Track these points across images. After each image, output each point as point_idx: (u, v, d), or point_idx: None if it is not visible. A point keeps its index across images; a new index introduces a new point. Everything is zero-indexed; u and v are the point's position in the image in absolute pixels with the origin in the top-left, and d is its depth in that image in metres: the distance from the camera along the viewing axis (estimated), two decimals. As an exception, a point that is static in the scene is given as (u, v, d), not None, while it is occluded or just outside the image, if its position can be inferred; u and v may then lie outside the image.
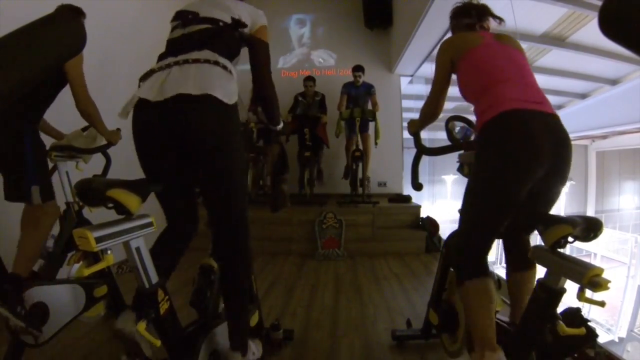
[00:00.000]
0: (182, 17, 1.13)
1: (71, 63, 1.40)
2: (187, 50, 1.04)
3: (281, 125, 1.37)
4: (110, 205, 0.87)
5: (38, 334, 1.23)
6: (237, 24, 1.12)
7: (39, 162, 1.42)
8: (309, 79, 4.19)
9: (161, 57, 1.09)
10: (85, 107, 1.50)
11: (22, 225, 1.43)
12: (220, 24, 1.10)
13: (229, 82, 1.03)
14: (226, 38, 1.11)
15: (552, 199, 1.10)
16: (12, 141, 1.34)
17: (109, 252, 0.83)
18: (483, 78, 1.15)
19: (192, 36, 1.08)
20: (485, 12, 1.31)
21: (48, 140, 1.65)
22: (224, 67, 1.05)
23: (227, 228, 1.10)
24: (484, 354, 1.01)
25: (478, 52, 1.19)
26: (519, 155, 1.02)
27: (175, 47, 1.07)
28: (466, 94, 1.24)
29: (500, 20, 1.31)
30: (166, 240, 1.14)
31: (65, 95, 1.52)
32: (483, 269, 1.09)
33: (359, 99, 3.98)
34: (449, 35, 1.39)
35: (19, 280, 1.32)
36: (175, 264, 1.17)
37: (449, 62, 1.25)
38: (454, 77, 1.30)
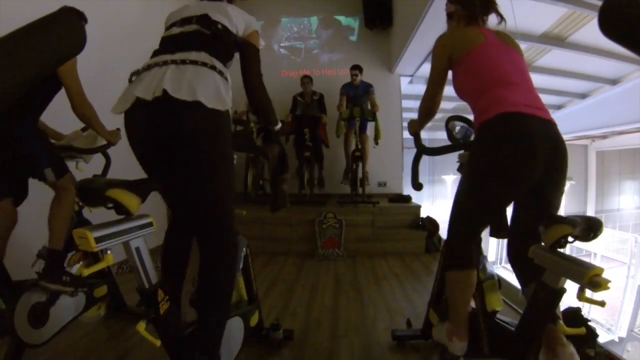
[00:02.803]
0: (181, 17, 1.13)
1: (65, 66, 1.39)
2: (185, 49, 1.03)
3: (279, 125, 1.37)
4: (110, 205, 0.87)
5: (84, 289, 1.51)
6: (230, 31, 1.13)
7: (44, 144, 1.46)
8: (306, 77, 4.21)
9: (156, 53, 1.08)
10: (82, 110, 1.50)
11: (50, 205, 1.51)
12: (219, 26, 1.11)
13: (223, 88, 1.03)
14: (224, 41, 1.11)
15: (552, 203, 1.09)
16: (9, 143, 1.36)
17: (108, 252, 0.82)
18: (485, 78, 1.14)
19: (191, 35, 1.08)
20: (490, 6, 1.26)
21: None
22: (220, 73, 1.05)
23: (211, 231, 1.08)
24: (452, 339, 1.17)
25: (480, 51, 1.16)
26: (514, 157, 1.02)
27: (173, 45, 1.06)
28: (463, 93, 1.23)
29: (502, 18, 1.27)
30: (174, 236, 1.17)
31: (63, 96, 1.51)
32: (466, 261, 1.14)
33: (358, 99, 3.99)
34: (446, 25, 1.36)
35: (54, 253, 1.45)
36: (187, 259, 1.19)
37: (447, 58, 1.22)
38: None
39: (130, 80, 1.04)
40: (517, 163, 1.03)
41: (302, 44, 5.09)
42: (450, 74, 1.28)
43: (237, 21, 1.15)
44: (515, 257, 1.18)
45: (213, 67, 1.03)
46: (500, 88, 1.09)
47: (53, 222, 1.47)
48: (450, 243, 1.20)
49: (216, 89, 1.00)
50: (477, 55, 1.16)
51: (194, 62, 1.01)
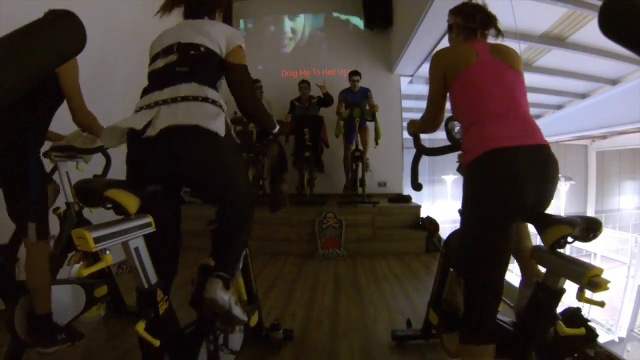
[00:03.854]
0: (162, 47, 1.11)
1: (65, 72, 1.36)
2: (172, 82, 1.02)
3: (277, 127, 1.37)
4: (109, 205, 0.87)
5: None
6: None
7: (40, 193, 1.35)
8: (304, 82, 4.16)
9: (145, 91, 1.07)
10: (82, 119, 1.46)
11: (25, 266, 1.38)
12: (202, 49, 1.08)
13: (218, 117, 1.03)
14: (209, 64, 1.09)
15: (543, 210, 1.08)
16: (16, 158, 1.29)
17: (107, 252, 0.82)
18: (469, 112, 1.12)
19: (176, 65, 1.05)
20: (490, 23, 1.23)
21: (47, 143, 1.64)
22: (213, 102, 1.04)
23: (232, 213, 1.16)
24: None
25: (471, 72, 1.12)
26: (502, 194, 1.01)
27: (160, 80, 1.05)
28: (457, 117, 1.21)
29: (501, 35, 1.24)
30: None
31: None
32: (487, 334, 1.06)
33: (357, 105, 3.97)
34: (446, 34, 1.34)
35: (46, 318, 1.33)
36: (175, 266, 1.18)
37: (442, 77, 1.20)
38: None
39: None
40: (506, 199, 1.01)
41: (302, 44, 5.09)
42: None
43: (219, 40, 1.11)
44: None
45: (205, 99, 1.03)
46: (484, 123, 1.07)
47: (35, 285, 1.32)
48: (470, 312, 1.10)
49: (209, 118, 1.00)
50: (466, 76, 1.13)
51: (185, 99, 1.00)
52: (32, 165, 1.31)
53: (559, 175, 1.07)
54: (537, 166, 1.02)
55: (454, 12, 1.28)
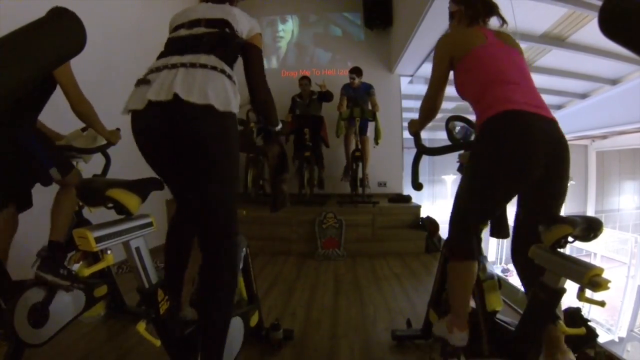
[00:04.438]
0: (189, 19, 1.13)
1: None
2: (194, 51, 1.04)
3: (280, 125, 1.37)
4: (110, 205, 0.87)
5: (81, 286, 1.48)
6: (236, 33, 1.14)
7: (45, 146, 1.45)
8: (304, 79, 4.17)
9: (163, 54, 1.08)
10: (81, 107, 1.48)
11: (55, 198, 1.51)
12: (227, 29, 1.11)
13: (232, 92, 1.04)
14: (231, 44, 1.12)
15: (554, 203, 1.09)
16: (10, 148, 1.34)
17: (108, 252, 0.83)
18: (486, 77, 1.15)
19: (200, 38, 1.08)
20: (493, 10, 1.27)
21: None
22: (229, 77, 1.06)
23: (214, 234, 1.09)
24: (452, 330, 1.17)
25: (481, 51, 1.17)
26: (515, 155, 1.03)
27: (181, 46, 1.07)
28: (465, 93, 1.24)
29: (504, 21, 1.29)
30: (177, 225, 1.19)
31: (62, 96, 1.50)
32: (467, 252, 1.16)
33: (359, 100, 3.98)
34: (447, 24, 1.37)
35: (58, 246, 1.45)
36: (189, 254, 1.20)
37: (449, 58, 1.23)
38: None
39: (137, 85, 1.04)
40: (518, 160, 1.03)
41: (303, 44, 5.09)
42: (451, 74, 1.28)
43: (242, 24, 1.15)
44: (517, 258, 1.18)
45: (222, 71, 1.04)
46: (501, 87, 1.10)
47: (56, 214, 1.46)
48: (451, 235, 1.22)
49: (226, 92, 1.01)
50: (477, 54, 1.18)
51: (204, 66, 1.01)
52: (26, 131, 1.39)
53: (569, 154, 1.08)
54: (551, 138, 1.05)
55: (457, 0, 1.31)
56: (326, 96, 4.05)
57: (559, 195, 1.09)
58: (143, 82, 1.02)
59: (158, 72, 1.02)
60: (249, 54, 1.18)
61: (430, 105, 1.33)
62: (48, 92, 1.48)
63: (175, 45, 1.09)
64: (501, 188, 1.09)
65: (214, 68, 1.03)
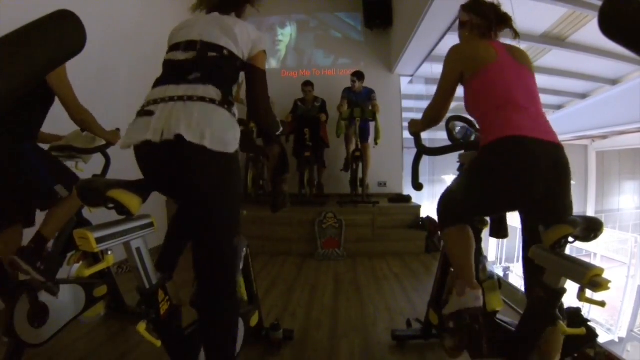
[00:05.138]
0: (186, 40, 1.07)
1: (55, 75, 1.36)
2: (190, 81, 0.99)
3: (280, 129, 1.37)
4: (111, 205, 0.87)
5: (56, 289, 1.40)
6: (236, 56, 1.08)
7: (49, 165, 1.44)
8: (308, 84, 4.12)
9: (160, 82, 1.04)
10: (79, 115, 1.47)
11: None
12: (225, 52, 1.05)
13: (232, 128, 1.00)
14: (229, 68, 1.07)
15: (556, 213, 1.07)
16: (13, 163, 1.33)
17: (109, 252, 0.82)
18: (493, 100, 1.12)
19: (196, 64, 1.02)
20: (506, 22, 1.23)
21: (46, 145, 1.65)
22: (229, 109, 1.02)
23: (214, 271, 1.05)
24: (464, 290, 1.14)
25: (493, 70, 1.14)
26: (512, 183, 1.05)
27: (177, 73, 1.02)
28: (471, 110, 1.22)
29: (517, 36, 1.24)
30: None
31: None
32: (462, 219, 1.19)
33: (360, 104, 3.96)
34: (456, 31, 1.34)
35: (42, 239, 1.41)
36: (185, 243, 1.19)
37: (459, 72, 1.20)
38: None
39: (139, 115, 1.01)
40: (515, 189, 1.05)
41: (303, 44, 5.09)
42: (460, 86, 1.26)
43: (244, 43, 1.08)
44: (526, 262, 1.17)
45: (221, 104, 1.00)
46: (507, 110, 1.08)
47: (54, 214, 1.45)
48: (440, 210, 1.24)
49: (224, 130, 0.97)
50: (487, 75, 1.14)
51: (202, 99, 0.97)
52: (27, 150, 1.37)
53: (571, 179, 1.08)
54: (552, 163, 1.04)
55: (469, 9, 1.27)
56: (326, 110, 4.13)
57: (561, 209, 1.07)
58: (144, 113, 0.98)
59: (156, 104, 0.98)
60: (249, 75, 1.12)
61: (434, 115, 1.31)
62: (47, 105, 1.47)
63: (171, 72, 1.05)
64: (494, 207, 1.13)
65: (212, 101, 0.98)
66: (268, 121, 1.22)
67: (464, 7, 1.29)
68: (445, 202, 1.23)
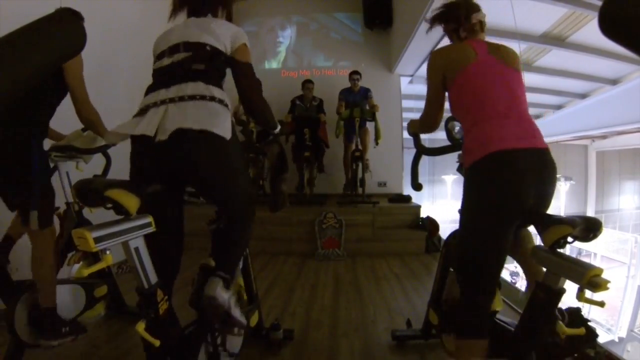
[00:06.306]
0: (169, 46, 1.11)
1: (71, 68, 1.36)
2: (178, 81, 1.02)
3: (278, 127, 1.37)
4: (109, 205, 0.87)
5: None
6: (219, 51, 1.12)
7: (44, 183, 1.36)
8: (308, 82, 4.15)
9: (150, 89, 1.06)
10: (88, 115, 1.47)
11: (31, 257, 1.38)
12: (207, 48, 1.08)
13: (225, 119, 1.04)
14: (215, 63, 1.09)
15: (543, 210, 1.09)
16: (19, 149, 1.29)
17: (108, 252, 0.82)
18: (472, 110, 1.10)
19: (183, 64, 1.06)
20: (472, 9, 1.19)
21: (47, 143, 1.64)
22: (220, 102, 1.05)
23: (235, 216, 1.18)
24: None
25: (471, 72, 1.10)
26: (504, 199, 1.02)
27: (166, 77, 1.05)
28: (457, 116, 1.20)
29: (482, 29, 1.20)
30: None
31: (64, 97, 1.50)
32: (480, 329, 1.08)
33: (357, 105, 3.97)
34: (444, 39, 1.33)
35: (51, 311, 1.34)
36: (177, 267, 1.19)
37: (442, 77, 1.17)
38: None
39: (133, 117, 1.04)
40: (507, 203, 1.02)
41: (303, 44, 5.08)
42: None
43: (223, 36, 1.11)
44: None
45: (212, 98, 1.03)
46: (485, 124, 1.06)
47: (37, 271, 1.32)
48: (464, 308, 1.13)
49: (218, 119, 1.01)
50: (466, 77, 1.11)
51: (193, 97, 1.00)
52: (35, 155, 1.31)
53: (557, 177, 1.07)
54: (538, 170, 1.03)
55: (438, 20, 1.26)
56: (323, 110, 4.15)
57: (547, 206, 1.08)
58: (137, 115, 1.03)
59: (147, 110, 1.01)
60: (235, 70, 1.15)
61: (428, 122, 1.29)
62: (59, 98, 1.45)
63: (160, 77, 1.07)
64: (497, 230, 1.05)
65: (203, 97, 1.01)
66: (264, 113, 1.24)
67: (432, 20, 1.27)
68: (467, 281, 1.12)
